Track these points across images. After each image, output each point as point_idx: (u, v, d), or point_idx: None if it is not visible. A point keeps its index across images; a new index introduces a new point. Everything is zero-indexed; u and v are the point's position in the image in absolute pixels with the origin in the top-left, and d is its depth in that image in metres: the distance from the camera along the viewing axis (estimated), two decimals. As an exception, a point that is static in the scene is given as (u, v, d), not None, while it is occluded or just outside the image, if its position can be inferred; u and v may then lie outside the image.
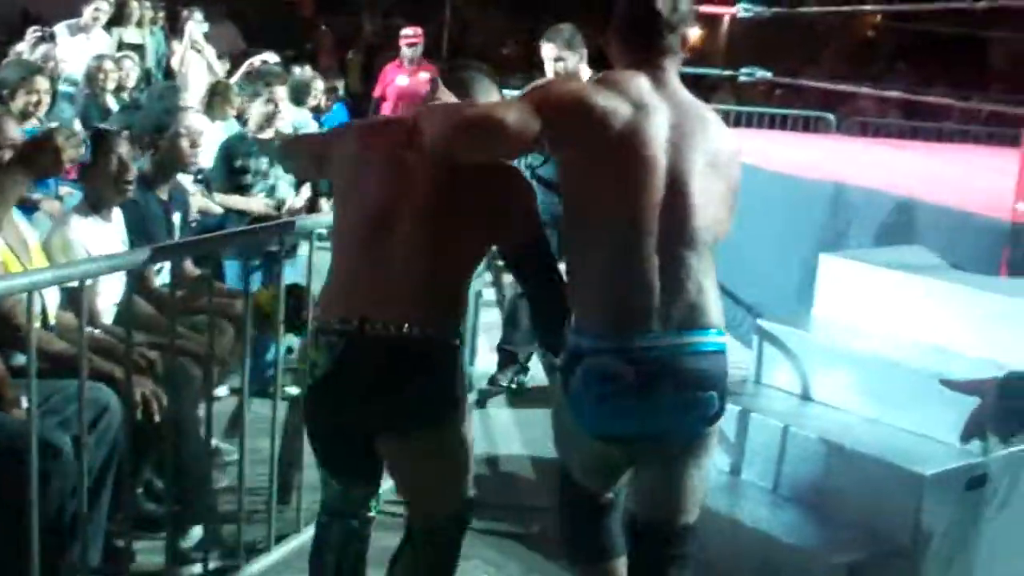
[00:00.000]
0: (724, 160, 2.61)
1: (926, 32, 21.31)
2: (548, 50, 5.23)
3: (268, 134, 5.48)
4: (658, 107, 2.53)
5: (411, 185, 2.57)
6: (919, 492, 3.33)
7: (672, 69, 2.63)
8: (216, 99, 6.82)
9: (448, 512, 2.73)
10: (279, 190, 5.50)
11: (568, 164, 2.58)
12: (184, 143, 4.46)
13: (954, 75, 20.78)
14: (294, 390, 4.33)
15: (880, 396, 3.76)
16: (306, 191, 5.59)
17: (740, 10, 7.61)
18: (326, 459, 2.75)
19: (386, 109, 9.25)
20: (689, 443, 2.59)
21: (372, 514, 2.82)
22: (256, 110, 5.66)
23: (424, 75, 9.32)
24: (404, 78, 9.32)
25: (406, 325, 2.51)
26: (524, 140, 2.47)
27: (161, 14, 9.59)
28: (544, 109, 2.47)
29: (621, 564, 2.82)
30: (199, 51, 8.34)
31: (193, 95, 7.24)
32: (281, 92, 6.44)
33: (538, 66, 5.50)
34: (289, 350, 4.40)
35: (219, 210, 5.33)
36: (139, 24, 9.07)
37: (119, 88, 7.36)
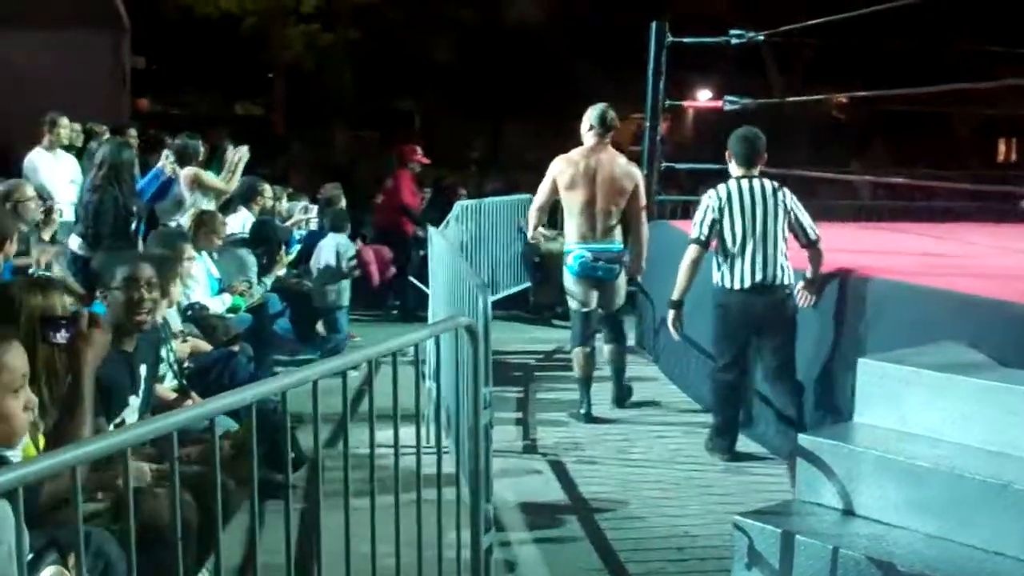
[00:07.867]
0: None
1: (890, 112, 21.60)
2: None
3: None
4: None
5: None
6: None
7: None
8: (202, 230, 6.23)
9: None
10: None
11: None
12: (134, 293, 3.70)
13: (921, 150, 20.96)
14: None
15: (940, 510, 3.46)
16: None
17: (726, 103, 7.61)
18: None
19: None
20: None
21: None
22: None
23: None
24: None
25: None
26: None
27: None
28: None
29: None
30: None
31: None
32: None
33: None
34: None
35: (207, 347, 5.00)
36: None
37: None
